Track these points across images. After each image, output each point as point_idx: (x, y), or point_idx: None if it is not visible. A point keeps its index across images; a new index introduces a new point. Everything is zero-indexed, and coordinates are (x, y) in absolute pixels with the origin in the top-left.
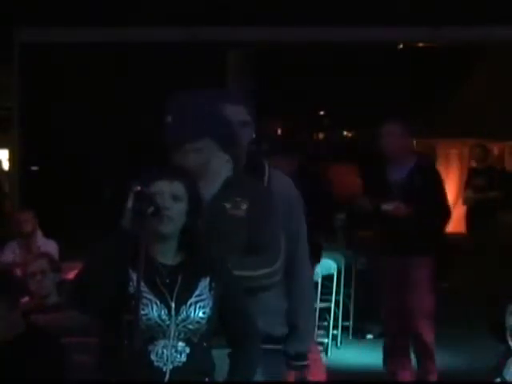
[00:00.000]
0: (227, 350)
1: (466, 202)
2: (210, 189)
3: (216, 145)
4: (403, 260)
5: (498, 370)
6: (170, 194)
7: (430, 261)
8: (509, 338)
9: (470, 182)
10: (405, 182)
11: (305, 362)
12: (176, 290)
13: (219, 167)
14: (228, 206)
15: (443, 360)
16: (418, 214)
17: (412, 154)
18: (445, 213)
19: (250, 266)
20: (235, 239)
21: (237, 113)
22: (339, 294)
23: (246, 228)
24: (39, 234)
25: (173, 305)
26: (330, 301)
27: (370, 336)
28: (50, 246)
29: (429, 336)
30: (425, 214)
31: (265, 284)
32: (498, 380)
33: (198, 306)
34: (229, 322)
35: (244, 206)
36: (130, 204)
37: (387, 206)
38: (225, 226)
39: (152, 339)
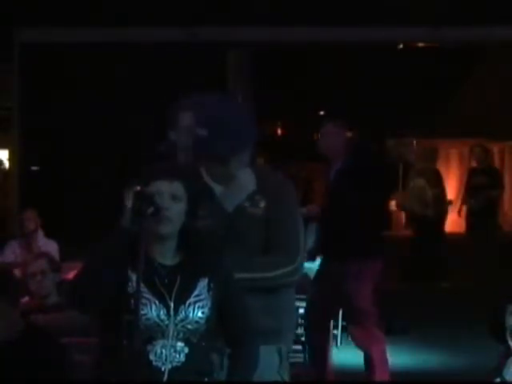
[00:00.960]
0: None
1: (465, 202)
2: (234, 201)
3: (246, 157)
4: (331, 262)
5: (498, 370)
6: (169, 194)
7: (356, 263)
8: (509, 338)
9: (470, 181)
10: (332, 182)
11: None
12: (175, 290)
13: (246, 181)
14: (247, 204)
15: (443, 360)
16: (335, 216)
17: (345, 155)
18: (358, 214)
19: (272, 266)
20: (254, 238)
21: None
22: None
23: (265, 226)
24: (40, 233)
25: (172, 305)
26: None
27: None
28: (51, 246)
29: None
30: (341, 216)
31: (286, 282)
32: (498, 380)
33: (196, 306)
34: (228, 323)
35: (262, 204)
36: (129, 204)
37: (302, 209)
38: (244, 225)
39: (151, 339)
